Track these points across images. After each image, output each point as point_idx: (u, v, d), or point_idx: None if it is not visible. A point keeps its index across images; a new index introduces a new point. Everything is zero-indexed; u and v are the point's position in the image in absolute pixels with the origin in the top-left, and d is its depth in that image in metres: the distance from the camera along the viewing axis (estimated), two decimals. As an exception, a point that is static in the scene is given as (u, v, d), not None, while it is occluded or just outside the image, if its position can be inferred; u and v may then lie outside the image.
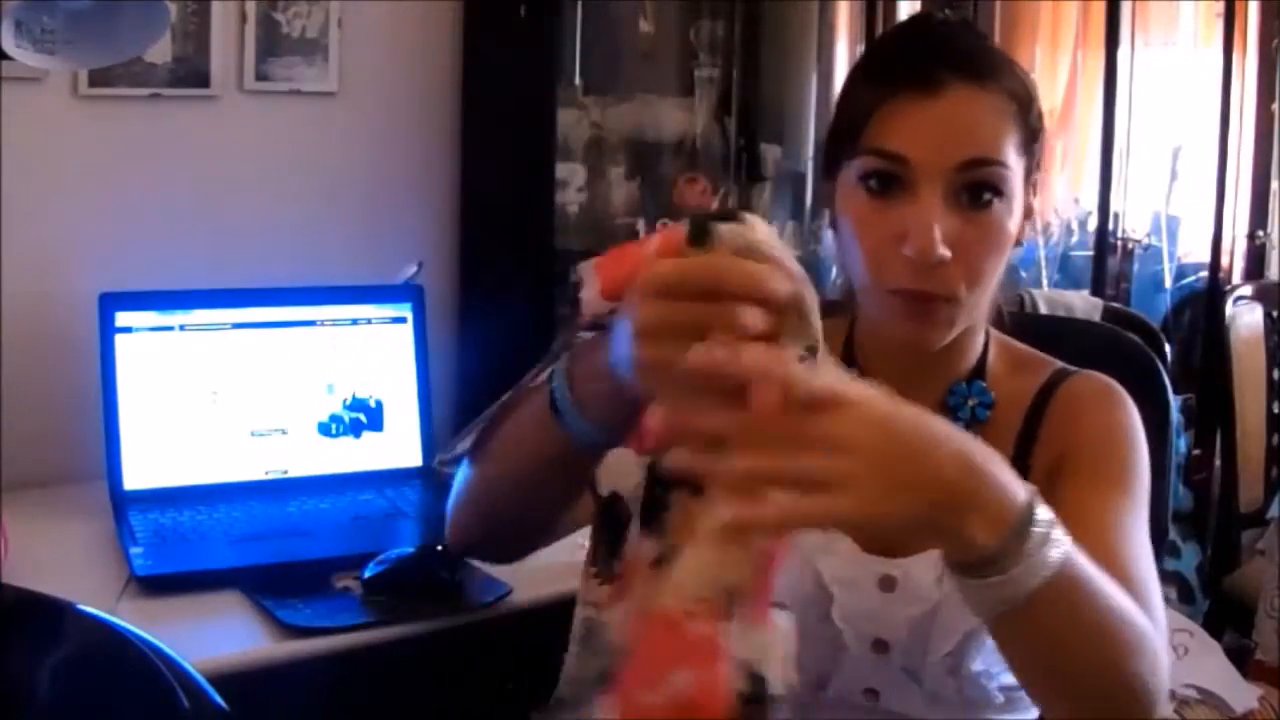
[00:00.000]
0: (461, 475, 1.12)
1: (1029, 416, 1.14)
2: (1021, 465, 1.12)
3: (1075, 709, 0.90)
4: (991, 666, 1.07)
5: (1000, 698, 1.09)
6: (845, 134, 1.08)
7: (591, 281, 0.88)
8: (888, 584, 1.08)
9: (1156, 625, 0.93)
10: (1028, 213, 1.12)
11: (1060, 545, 0.82)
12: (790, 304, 0.83)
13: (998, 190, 1.05)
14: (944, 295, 1.05)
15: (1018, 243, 1.12)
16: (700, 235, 0.84)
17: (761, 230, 0.85)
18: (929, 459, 0.79)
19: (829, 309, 0.94)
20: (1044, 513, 0.83)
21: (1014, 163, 1.06)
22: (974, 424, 1.13)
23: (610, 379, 0.89)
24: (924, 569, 1.07)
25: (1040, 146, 1.11)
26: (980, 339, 1.16)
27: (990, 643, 1.04)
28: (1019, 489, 0.83)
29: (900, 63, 1.07)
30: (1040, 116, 1.10)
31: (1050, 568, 0.81)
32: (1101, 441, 1.11)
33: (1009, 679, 1.09)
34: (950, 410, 1.14)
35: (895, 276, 1.04)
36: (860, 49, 2.74)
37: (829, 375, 0.81)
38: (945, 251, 1.02)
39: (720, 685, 0.80)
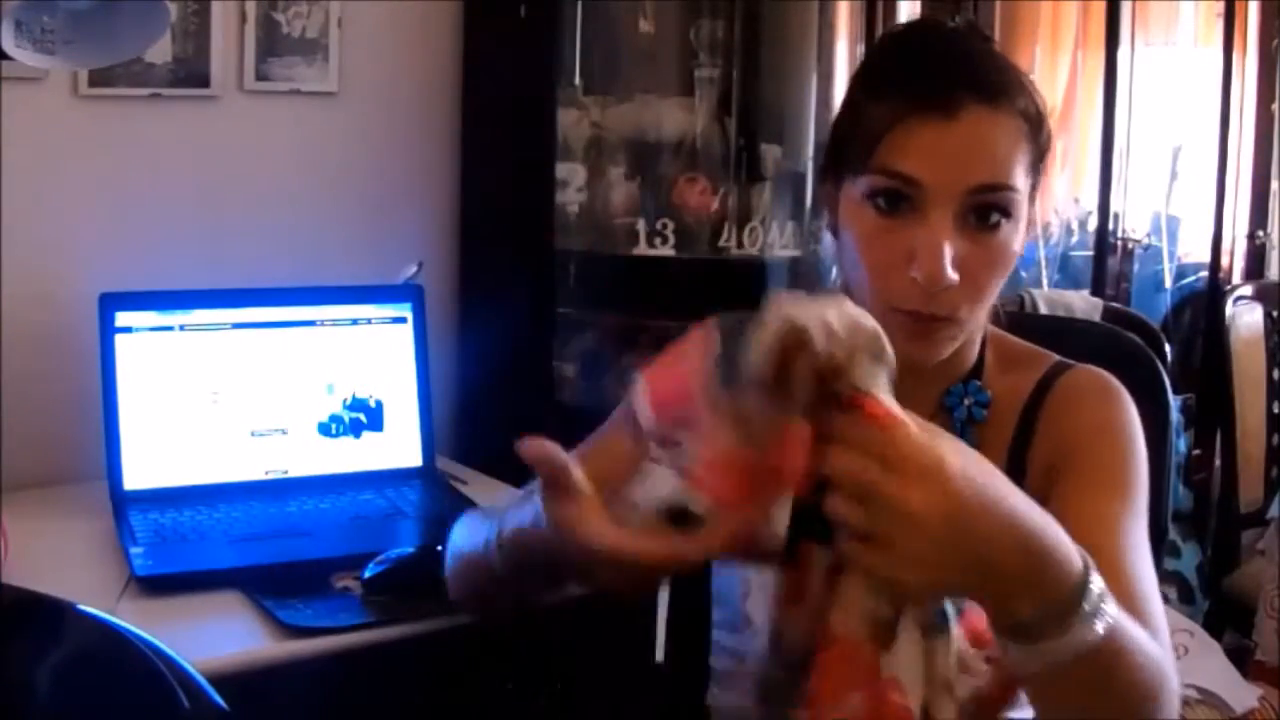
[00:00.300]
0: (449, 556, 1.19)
1: (1025, 411, 1.14)
2: (1018, 461, 1.12)
3: None
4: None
5: None
6: (855, 147, 1.07)
7: (643, 401, 0.88)
8: None
9: (1158, 634, 0.93)
10: (1029, 223, 1.12)
11: (1108, 616, 0.83)
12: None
13: (1006, 212, 1.05)
14: (946, 316, 1.05)
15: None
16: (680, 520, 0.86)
17: (796, 311, 0.83)
18: (993, 546, 0.80)
19: None
20: (1097, 584, 0.83)
21: (1022, 184, 1.06)
22: (970, 423, 1.13)
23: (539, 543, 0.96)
24: None
25: (1046, 163, 1.11)
26: (978, 341, 1.16)
27: None
28: (1075, 562, 0.83)
29: (916, 80, 1.06)
30: (1049, 135, 1.11)
31: (1094, 638, 0.82)
32: (1099, 440, 1.11)
33: None
34: (947, 410, 1.14)
35: (900, 297, 1.04)
36: (860, 49, 2.73)
37: (928, 436, 0.81)
38: (954, 276, 1.02)
39: (890, 710, 0.84)
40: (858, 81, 1.12)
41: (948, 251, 1.02)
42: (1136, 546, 1.03)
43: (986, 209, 1.04)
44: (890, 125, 1.04)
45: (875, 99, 1.07)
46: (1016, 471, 1.11)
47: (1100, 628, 0.82)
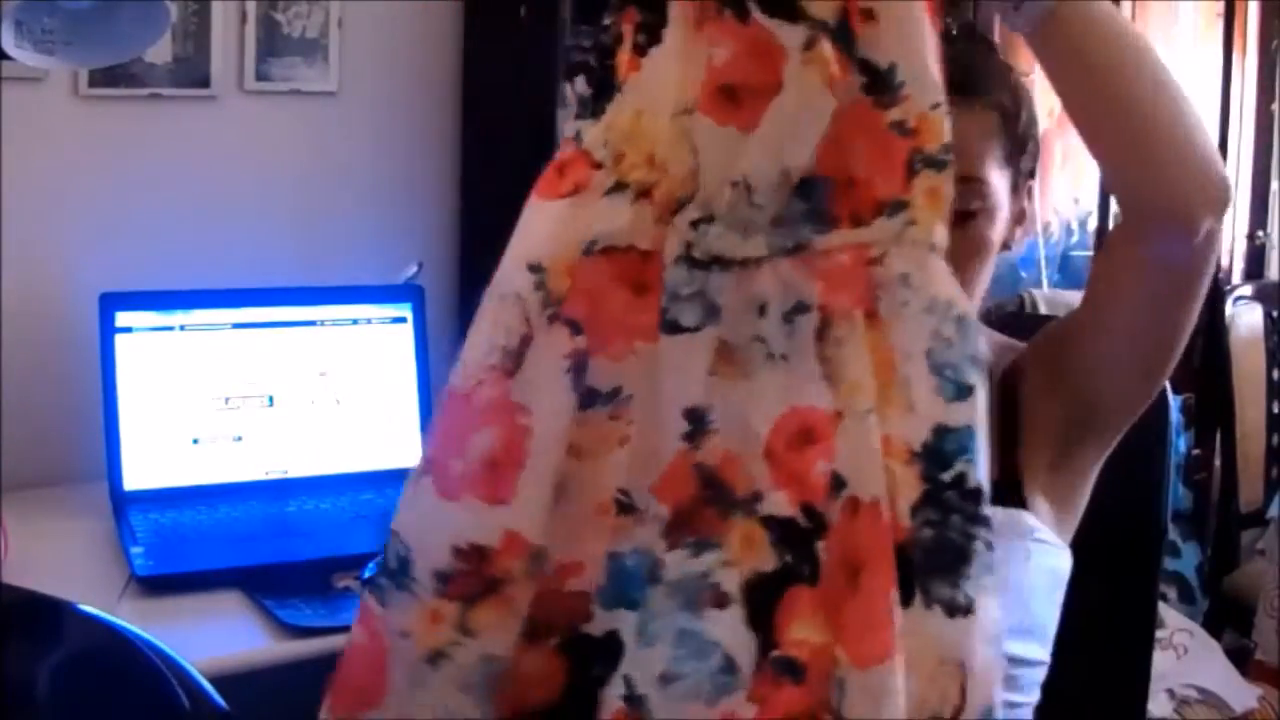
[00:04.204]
0: None
1: (1003, 386, 1.15)
2: (1009, 431, 1.14)
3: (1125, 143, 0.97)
4: None
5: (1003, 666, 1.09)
6: None
7: None
8: None
9: None
10: (1020, 219, 1.13)
11: None
12: None
13: (979, 205, 1.06)
14: None
15: (1007, 247, 1.12)
16: None
17: None
18: None
19: None
20: None
21: (995, 177, 1.07)
22: None
23: None
24: None
25: (1031, 155, 1.12)
26: None
27: None
28: None
29: None
30: (1031, 124, 1.11)
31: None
32: None
33: (1012, 647, 1.10)
34: None
35: None
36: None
37: None
38: None
39: (518, 437, 0.82)
40: None
41: None
42: None
43: (957, 202, 1.05)
44: None
45: None
46: (1008, 449, 1.13)
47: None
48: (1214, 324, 2.71)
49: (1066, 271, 2.88)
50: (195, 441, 1.72)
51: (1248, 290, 2.74)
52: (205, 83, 1.88)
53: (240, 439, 1.74)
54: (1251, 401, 2.66)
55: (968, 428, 0.80)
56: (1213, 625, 2.47)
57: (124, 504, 1.65)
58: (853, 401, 0.81)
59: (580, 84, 0.87)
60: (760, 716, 0.81)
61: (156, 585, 1.44)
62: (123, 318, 1.70)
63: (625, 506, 0.85)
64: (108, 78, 1.79)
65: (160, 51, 1.81)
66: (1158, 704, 2.05)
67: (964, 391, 0.80)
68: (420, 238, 2.08)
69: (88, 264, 1.80)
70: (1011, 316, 1.25)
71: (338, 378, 1.80)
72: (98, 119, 1.82)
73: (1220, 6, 2.95)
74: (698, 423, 0.83)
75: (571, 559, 0.85)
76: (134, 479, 1.68)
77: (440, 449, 0.87)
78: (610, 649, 0.84)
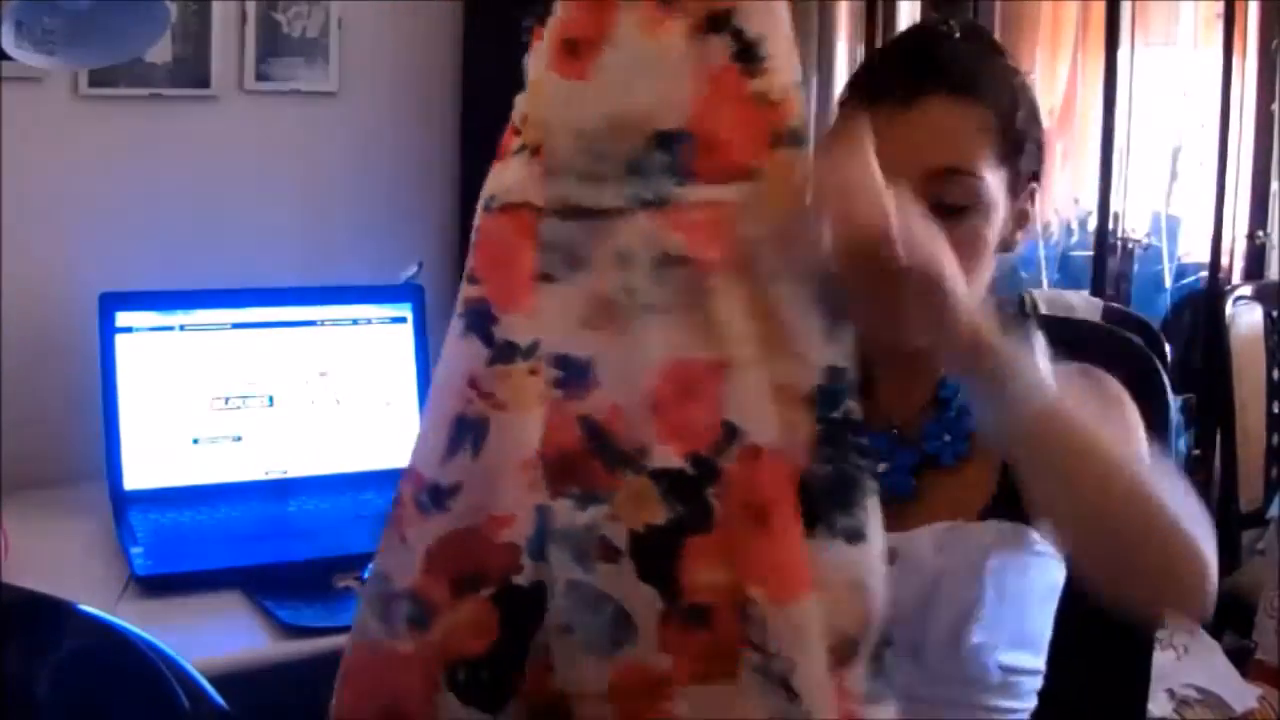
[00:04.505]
0: None
1: None
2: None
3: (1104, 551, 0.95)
4: (990, 639, 1.08)
5: (998, 676, 1.10)
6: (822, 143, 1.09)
7: None
8: (889, 557, 1.08)
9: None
10: (1021, 220, 1.13)
11: (1050, 394, 0.90)
12: None
13: (971, 200, 1.06)
14: None
15: (1007, 248, 1.12)
16: None
17: None
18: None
19: None
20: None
21: (990, 173, 1.07)
22: (965, 415, 1.14)
23: None
24: (923, 541, 1.09)
25: (1031, 154, 1.12)
26: None
27: (989, 615, 1.07)
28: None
29: (884, 76, 1.10)
30: (1029, 122, 1.11)
31: (1049, 389, 0.90)
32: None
33: (1007, 657, 1.10)
34: (943, 403, 1.16)
35: None
36: (860, 49, 2.73)
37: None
38: None
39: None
40: (844, 86, 1.15)
41: None
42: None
43: (950, 197, 1.05)
44: (855, 114, 1.06)
45: (848, 97, 1.12)
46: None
47: (1050, 385, 0.90)
48: (1214, 324, 2.71)
49: (1066, 271, 2.89)
50: (195, 441, 1.72)
51: (1248, 290, 2.74)
52: (205, 83, 1.88)
53: (240, 439, 1.74)
54: (1251, 401, 2.65)
55: (849, 366, 0.83)
56: (1213, 625, 2.46)
57: (124, 504, 1.65)
58: (737, 351, 0.83)
59: (527, 60, 0.90)
60: (678, 666, 0.83)
61: (156, 585, 1.44)
62: (123, 318, 1.70)
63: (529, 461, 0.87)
64: (108, 78, 1.79)
65: (160, 51, 1.81)
66: (1158, 704, 2.05)
67: (821, 340, 0.83)
68: (420, 238, 2.08)
69: (88, 264, 1.80)
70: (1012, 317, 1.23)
71: (338, 378, 1.80)
72: (98, 119, 1.82)
73: (1220, 7, 2.95)
74: (573, 371, 0.85)
75: (502, 511, 0.87)
76: (134, 479, 1.68)
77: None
78: (538, 600, 0.86)
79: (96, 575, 1.47)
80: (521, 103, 0.90)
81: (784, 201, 0.83)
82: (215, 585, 1.45)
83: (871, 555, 0.82)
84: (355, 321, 1.83)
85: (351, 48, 1.99)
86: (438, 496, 0.88)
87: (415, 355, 1.85)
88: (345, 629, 1.35)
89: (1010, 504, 1.12)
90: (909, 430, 1.16)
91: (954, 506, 1.11)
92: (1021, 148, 1.10)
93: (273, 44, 1.92)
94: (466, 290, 0.89)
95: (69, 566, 1.50)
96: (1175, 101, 3.00)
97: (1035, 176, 1.14)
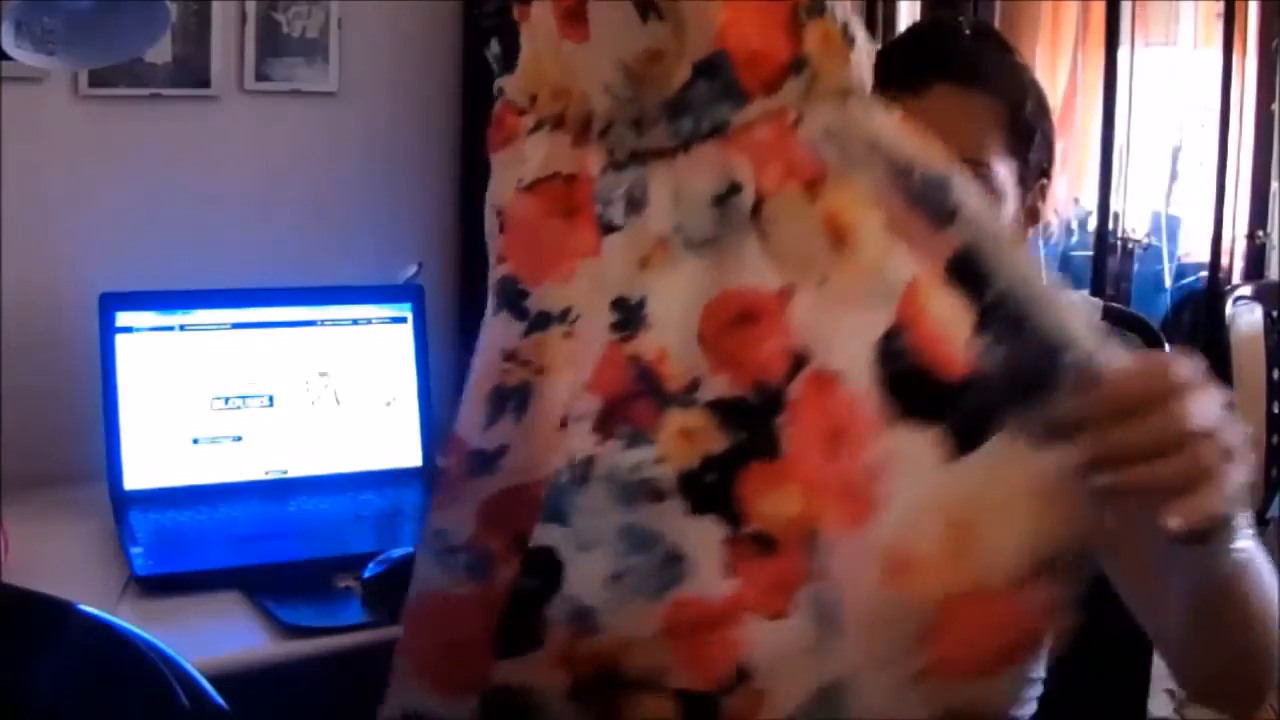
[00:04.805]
0: None
1: None
2: None
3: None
4: None
5: None
6: None
7: None
8: None
9: None
10: (1032, 217, 1.12)
11: (1247, 531, 0.84)
12: None
13: (981, 190, 1.05)
14: None
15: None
16: None
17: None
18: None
19: None
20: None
21: (999, 164, 1.07)
22: None
23: None
24: None
25: (1040, 147, 1.11)
26: None
27: None
28: None
29: (893, 67, 1.08)
30: (1038, 115, 1.11)
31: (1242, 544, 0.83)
32: None
33: None
34: None
35: None
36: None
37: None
38: None
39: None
40: None
41: None
42: None
43: None
44: None
45: None
46: None
47: (1242, 541, 0.83)
48: (1214, 324, 2.71)
49: (1067, 271, 2.89)
50: (195, 441, 1.72)
51: (1248, 290, 2.74)
52: (205, 83, 1.88)
53: (240, 439, 1.74)
54: (1251, 401, 2.65)
55: (973, 244, 0.77)
56: (1213, 625, 2.46)
57: (124, 504, 1.65)
58: (804, 275, 0.81)
59: (494, 46, 0.90)
60: (745, 592, 0.81)
61: (156, 585, 1.44)
62: (123, 318, 1.70)
63: (563, 421, 0.87)
64: (108, 78, 1.79)
65: (160, 51, 1.81)
66: (1158, 704, 2.05)
67: (948, 216, 0.78)
68: (420, 238, 2.08)
69: (88, 264, 1.80)
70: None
71: (338, 378, 1.80)
72: (98, 119, 1.82)
73: (1220, 6, 2.95)
74: (627, 313, 0.85)
75: (551, 470, 0.87)
76: (134, 479, 1.68)
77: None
78: (543, 564, 0.86)
79: (96, 575, 1.47)
80: (523, 83, 0.90)
81: (836, 74, 0.79)
82: (215, 585, 1.45)
83: (1069, 455, 0.74)
84: (355, 321, 1.83)
85: (351, 48, 1.99)
86: (485, 460, 0.89)
87: (415, 355, 1.85)
88: (345, 629, 1.36)
89: None
90: None
91: None
92: (1031, 140, 1.10)
93: (273, 44, 1.92)
94: (495, 271, 0.91)
95: (69, 566, 1.50)
96: (1175, 101, 3.00)
97: (1045, 173, 1.13)
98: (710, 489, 0.82)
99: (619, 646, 0.85)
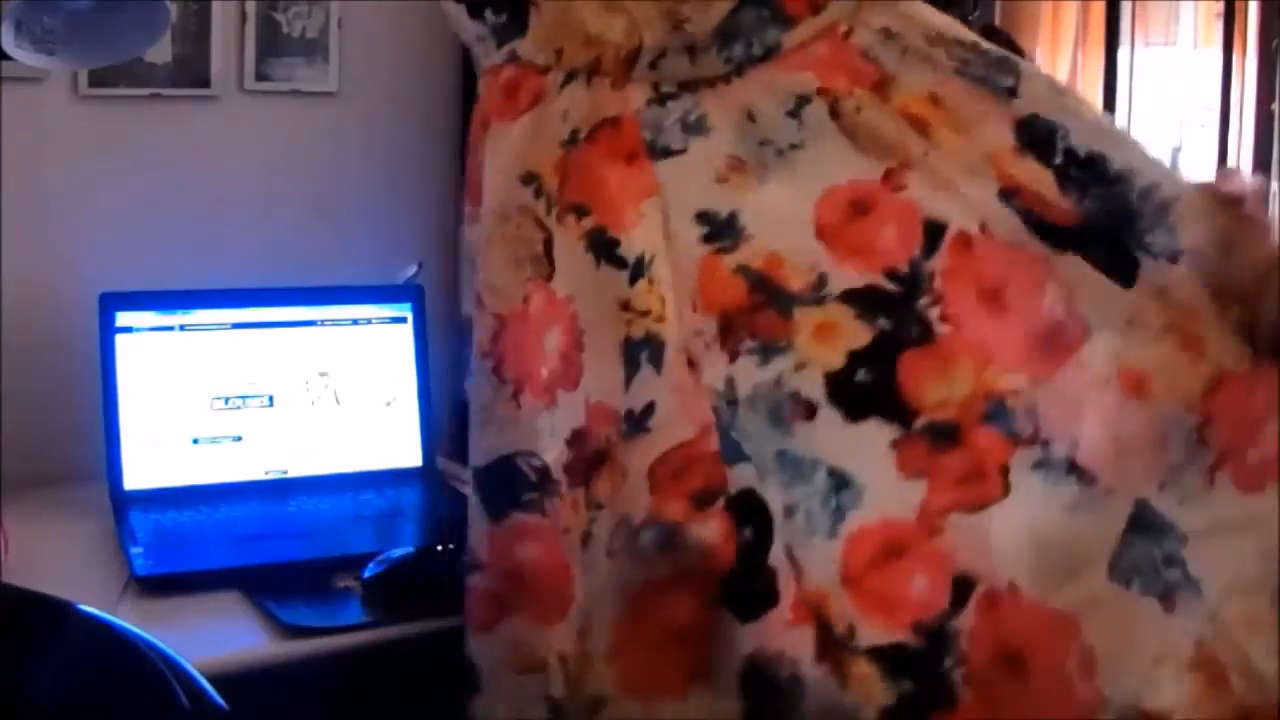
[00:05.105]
0: None
1: None
2: None
3: None
4: None
5: None
6: None
7: None
8: None
9: None
10: None
11: None
12: None
13: None
14: None
15: None
16: None
17: None
18: None
19: None
20: None
21: None
22: None
23: None
24: None
25: None
26: None
27: None
28: None
29: None
30: None
31: None
32: None
33: None
34: None
35: None
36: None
37: None
38: None
39: (572, 326, 0.89)
40: None
41: None
42: None
43: None
44: None
45: None
46: None
47: None
48: (1214, 324, 2.71)
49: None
50: (195, 441, 1.72)
51: (1248, 290, 2.74)
52: (205, 83, 1.87)
53: (240, 439, 1.74)
54: (1251, 401, 2.65)
55: (1033, 114, 0.79)
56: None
57: (124, 504, 1.65)
58: (902, 159, 0.82)
59: (490, 16, 0.90)
60: (935, 492, 0.77)
61: (156, 585, 1.44)
62: (123, 318, 1.70)
63: (692, 361, 0.86)
64: (108, 78, 1.79)
65: (160, 51, 1.81)
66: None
67: (1009, 91, 0.80)
68: (420, 238, 2.08)
69: (88, 264, 1.80)
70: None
71: (338, 378, 1.80)
72: (98, 119, 1.82)
73: (1220, 6, 2.95)
74: (717, 226, 0.85)
75: (703, 421, 0.85)
76: (134, 479, 1.68)
77: (520, 365, 0.91)
78: (751, 509, 0.83)
79: (96, 575, 1.47)
80: (545, 40, 0.89)
81: None
82: (215, 585, 1.45)
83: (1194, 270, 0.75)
84: (355, 321, 1.83)
85: (351, 48, 1.99)
86: (635, 421, 0.87)
87: (415, 355, 1.85)
88: (345, 629, 1.36)
89: None
90: None
91: None
92: None
93: (273, 44, 1.92)
94: (579, 225, 0.88)
95: (69, 566, 1.50)
96: (1175, 101, 3.00)
97: None
98: (865, 390, 0.79)
99: (819, 598, 0.81)
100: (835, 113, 0.84)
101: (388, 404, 1.82)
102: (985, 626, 0.76)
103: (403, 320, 1.85)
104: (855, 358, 0.80)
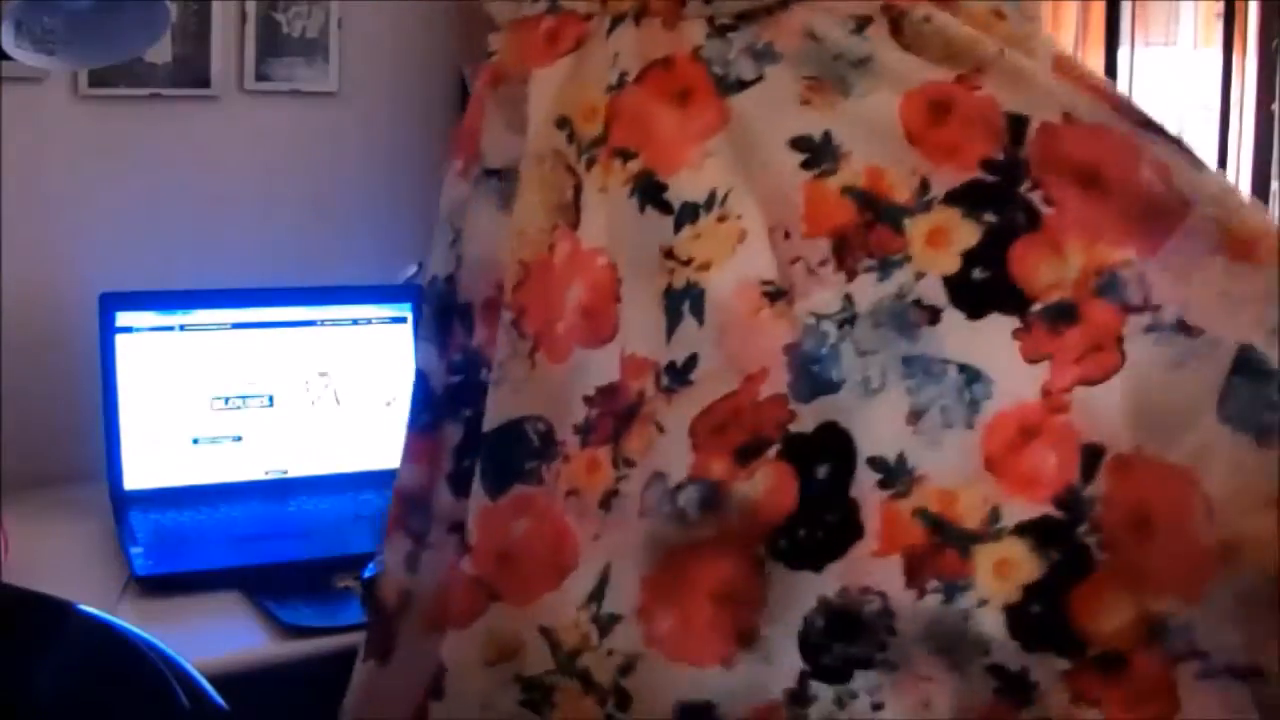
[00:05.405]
0: None
1: None
2: None
3: None
4: None
5: None
6: None
7: None
8: None
9: None
10: None
11: None
12: None
13: None
14: None
15: None
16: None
17: None
18: None
19: None
20: None
21: None
22: None
23: None
24: None
25: None
26: None
27: None
28: None
29: None
30: None
31: None
32: None
33: None
34: None
35: None
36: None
37: None
38: None
39: (604, 278, 0.86)
40: None
41: None
42: None
43: None
44: None
45: None
46: None
47: None
48: (1214, 324, 2.71)
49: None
50: (195, 441, 1.72)
51: (1248, 290, 2.74)
52: (205, 83, 1.88)
53: (240, 439, 1.74)
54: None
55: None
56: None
57: (124, 504, 1.65)
58: (973, 61, 0.82)
59: None
60: (1057, 375, 0.79)
61: (156, 585, 1.44)
62: (123, 318, 1.70)
63: (774, 294, 0.84)
64: (108, 78, 1.79)
65: (160, 51, 1.81)
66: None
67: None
68: (420, 238, 2.06)
69: (88, 264, 1.80)
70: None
71: (338, 378, 1.80)
72: (98, 119, 1.82)
73: (1220, 6, 2.95)
74: (814, 150, 0.84)
75: (755, 367, 0.83)
76: (134, 479, 1.68)
77: (540, 318, 0.88)
78: (830, 443, 0.82)
79: (96, 575, 1.47)
80: None
81: None
82: (215, 585, 1.45)
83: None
84: (355, 321, 1.83)
85: (351, 48, 1.99)
86: (676, 374, 0.85)
87: (415, 355, 1.84)
88: (345, 629, 1.36)
89: None
90: None
91: None
92: None
93: (273, 44, 1.92)
94: (625, 169, 0.86)
95: (69, 566, 1.50)
96: (1175, 101, 2.99)
97: None
98: (981, 286, 0.81)
99: (942, 499, 0.81)
100: (897, 28, 0.83)
101: (388, 404, 1.82)
102: (1115, 492, 0.78)
103: (403, 320, 1.85)
104: (969, 257, 0.81)
